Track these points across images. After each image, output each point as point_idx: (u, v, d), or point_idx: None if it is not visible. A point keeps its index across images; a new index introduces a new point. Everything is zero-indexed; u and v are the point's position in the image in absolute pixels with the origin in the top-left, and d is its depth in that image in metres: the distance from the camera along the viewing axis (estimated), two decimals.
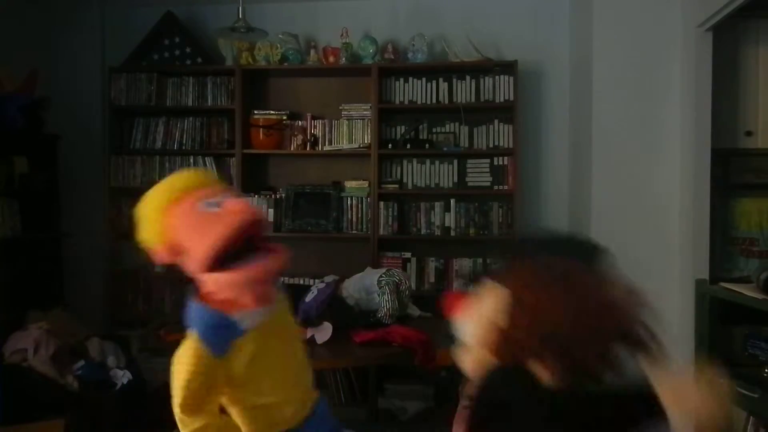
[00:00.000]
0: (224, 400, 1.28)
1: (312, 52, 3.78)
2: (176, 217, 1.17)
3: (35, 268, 3.52)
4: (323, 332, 2.28)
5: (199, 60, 3.87)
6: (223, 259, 1.14)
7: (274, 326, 1.28)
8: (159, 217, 1.21)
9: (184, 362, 1.18)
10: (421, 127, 3.74)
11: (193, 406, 1.21)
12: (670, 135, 2.99)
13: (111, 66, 3.92)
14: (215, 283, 1.15)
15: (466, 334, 1.13)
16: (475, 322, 1.10)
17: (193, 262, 1.15)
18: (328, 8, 3.92)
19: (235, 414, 1.29)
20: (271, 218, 3.79)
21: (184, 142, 3.90)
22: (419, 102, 3.71)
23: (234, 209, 1.14)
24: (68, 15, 4.06)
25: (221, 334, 1.18)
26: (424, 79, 3.70)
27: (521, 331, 1.01)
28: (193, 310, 1.20)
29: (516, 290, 1.05)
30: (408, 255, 3.74)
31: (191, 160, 3.88)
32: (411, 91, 3.71)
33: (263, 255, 1.17)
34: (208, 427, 1.24)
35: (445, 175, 3.72)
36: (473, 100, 3.65)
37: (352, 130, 3.78)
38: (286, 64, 3.80)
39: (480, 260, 3.68)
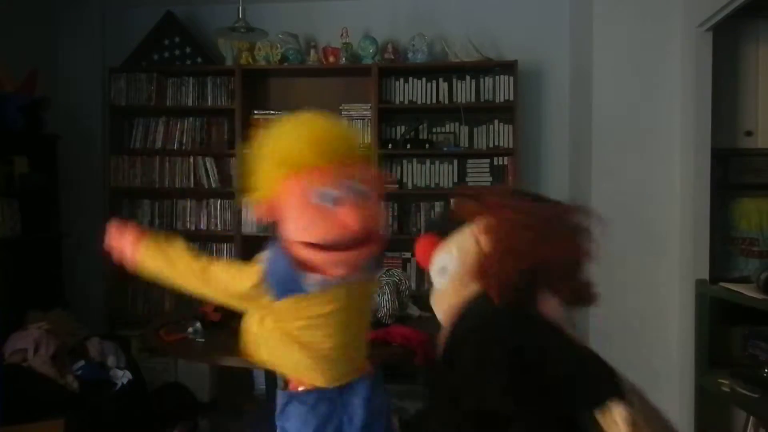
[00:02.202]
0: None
1: (312, 52, 3.78)
2: (288, 192, 1.09)
3: (35, 268, 3.52)
4: None
5: (199, 60, 3.87)
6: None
7: (344, 295, 1.23)
8: (273, 180, 1.11)
9: (244, 275, 1.20)
10: (421, 127, 3.74)
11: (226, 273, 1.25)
12: (670, 135, 2.99)
13: (111, 66, 3.92)
14: (303, 254, 1.12)
15: (445, 272, 1.07)
16: (454, 256, 1.05)
17: (288, 234, 1.13)
18: (328, 8, 3.92)
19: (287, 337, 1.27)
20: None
21: (184, 142, 3.90)
22: (419, 102, 3.70)
23: (345, 221, 1.07)
24: (68, 15, 4.06)
25: (284, 285, 1.18)
26: (424, 79, 3.70)
27: (506, 254, 0.98)
28: (274, 252, 1.18)
29: (494, 216, 1.02)
30: (408, 255, 3.74)
31: (191, 160, 3.88)
32: (411, 91, 3.71)
33: (361, 242, 1.13)
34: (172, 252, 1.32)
35: (445, 175, 3.72)
36: (473, 100, 3.65)
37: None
38: (286, 64, 3.80)
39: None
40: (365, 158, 1.17)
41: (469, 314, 1.01)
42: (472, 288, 1.02)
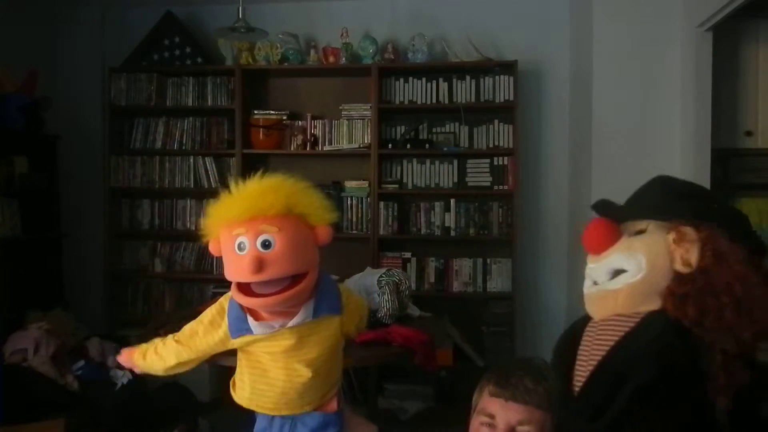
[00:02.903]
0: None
1: (312, 52, 3.78)
2: (222, 238, 1.25)
3: (35, 268, 3.52)
4: None
5: (199, 60, 3.86)
6: (245, 286, 1.24)
7: (293, 338, 1.30)
8: (216, 228, 1.29)
9: (214, 306, 1.37)
10: (421, 127, 3.74)
11: (189, 337, 1.39)
12: (670, 135, 2.99)
13: (111, 66, 3.92)
14: (236, 297, 1.25)
15: (617, 275, 0.99)
16: (642, 266, 0.96)
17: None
18: (328, 8, 3.92)
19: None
20: None
21: (184, 142, 3.90)
22: (419, 102, 3.70)
23: (242, 265, 1.18)
24: (68, 15, 4.06)
25: (236, 324, 1.31)
26: (424, 79, 3.70)
27: (718, 289, 0.89)
28: (232, 292, 1.31)
29: (715, 244, 0.92)
30: (408, 255, 3.74)
31: (191, 160, 3.88)
32: (411, 91, 3.71)
33: (286, 285, 1.22)
34: (160, 346, 1.43)
35: (445, 175, 3.72)
36: (473, 100, 3.65)
37: (352, 130, 3.78)
38: (286, 64, 3.80)
39: (480, 260, 3.69)
40: (294, 211, 1.25)
41: (655, 335, 0.92)
42: (653, 305, 0.95)
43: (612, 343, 0.95)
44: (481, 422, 1.14)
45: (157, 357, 1.43)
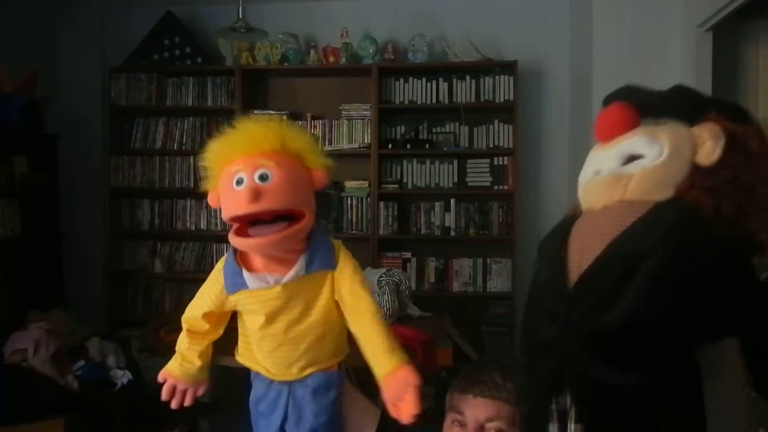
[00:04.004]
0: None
1: (312, 52, 3.78)
2: (221, 181, 1.24)
3: (35, 268, 3.52)
4: None
5: (199, 60, 3.87)
6: (243, 227, 1.21)
7: (285, 295, 1.27)
8: (215, 171, 1.27)
9: (210, 284, 1.36)
10: (421, 127, 3.75)
11: (191, 308, 1.37)
12: None
13: (111, 66, 3.93)
14: (233, 242, 1.23)
15: (631, 161, 0.92)
16: (664, 149, 0.90)
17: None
18: (328, 8, 3.92)
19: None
20: None
21: (184, 142, 3.90)
22: (419, 102, 3.71)
23: (239, 197, 1.16)
24: (68, 15, 4.06)
25: (231, 279, 1.29)
26: (424, 79, 3.70)
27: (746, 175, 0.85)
28: (229, 251, 1.31)
29: (736, 133, 0.88)
30: (408, 255, 3.74)
31: (191, 160, 3.88)
32: (411, 91, 3.71)
33: (280, 227, 1.19)
34: (185, 336, 1.40)
35: (445, 175, 3.72)
36: (473, 100, 3.65)
37: (352, 130, 3.78)
38: (286, 64, 3.80)
39: (480, 260, 3.69)
40: (289, 149, 1.23)
41: (671, 223, 0.85)
42: (665, 195, 0.88)
43: (620, 230, 0.87)
44: (452, 420, 1.17)
45: (183, 353, 1.41)
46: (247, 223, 1.20)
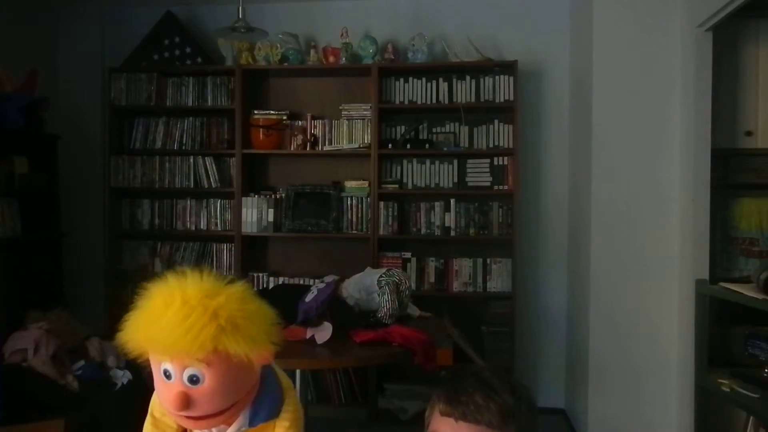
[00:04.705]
0: None
1: (312, 52, 3.78)
2: (150, 357, 1.13)
3: (35, 268, 3.52)
4: (323, 332, 2.28)
5: (199, 60, 3.87)
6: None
7: None
8: (139, 346, 1.13)
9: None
10: (421, 127, 3.74)
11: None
12: (670, 135, 2.99)
13: (111, 66, 3.92)
14: (166, 411, 1.18)
15: None
16: None
17: None
18: (328, 8, 3.92)
19: None
20: (271, 218, 3.79)
21: (184, 142, 3.90)
22: (419, 102, 3.70)
23: (169, 400, 1.07)
24: (68, 15, 4.06)
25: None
26: (424, 79, 3.70)
27: None
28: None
29: None
30: (408, 255, 3.74)
31: (191, 160, 3.88)
32: (411, 91, 3.71)
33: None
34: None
35: (445, 175, 3.72)
36: (473, 100, 3.65)
37: (352, 130, 3.78)
38: (286, 64, 3.80)
39: (480, 260, 3.69)
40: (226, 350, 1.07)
41: None
42: None
43: None
44: None
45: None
46: None
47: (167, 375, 1.07)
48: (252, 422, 1.20)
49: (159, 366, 1.09)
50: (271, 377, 1.26)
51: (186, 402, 1.05)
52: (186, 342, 1.03)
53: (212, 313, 1.06)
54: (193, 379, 1.06)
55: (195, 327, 1.04)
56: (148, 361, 1.13)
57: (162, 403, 1.13)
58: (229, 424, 1.18)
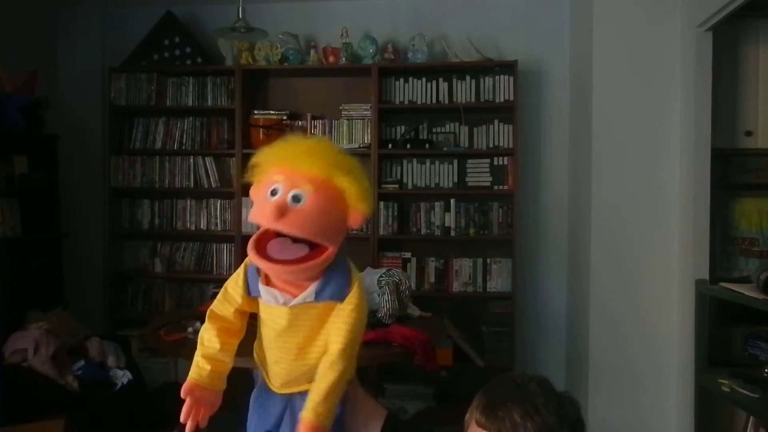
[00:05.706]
0: None
1: (312, 52, 3.78)
2: (262, 180, 1.22)
3: (35, 268, 3.52)
4: None
5: (199, 60, 3.87)
6: (263, 243, 1.19)
7: (287, 317, 1.24)
8: (261, 170, 1.25)
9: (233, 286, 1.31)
10: (421, 127, 3.75)
11: (220, 308, 1.32)
12: (670, 135, 2.99)
13: (111, 66, 3.92)
14: (249, 251, 1.20)
15: None
16: None
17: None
18: (328, 8, 3.92)
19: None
20: None
21: (184, 142, 3.90)
22: (419, 102, 3.71)
23: (264, 210, 1.14)
24: (68, 15, 4.06)
25: (251, 282, 1.27)
26: (424, 79, 3.70)
27: None
28: (248, 246, 1.28)
29: None
30: (408, 255, 3.74)
31: (191, 160, 3.88)
32: (411, 91, 3.71)
33: (300, 253, 1.16)
34: (206, 331, 1.31)
35: (445, 175, 3.72)
36: (473, 100, 3.65)
37: (352, 130, 3.78)
38: (286, 64, 3.80)
39: (480, 260, 3.69)
40: (336, 182, 1.17)
41: None
42: None
43: None
44: None
45: (213, 356, 1.30)
46: (274, 233, 1.17)
47: (273, 193, 1.15)
48: (318, 296, 1.23)
49: (268, 187, 1.16)
50: (345, 262, 1.30)
51: (282, 211, 1.12)
52: (308, 157, 1.17)
53: (337, 153, 1.20)
54: (296, 198, 1.14)
55: (321, 151, 1.18)
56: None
57: (257, 219, 1.17)
58: (298, 291, 1.22)
